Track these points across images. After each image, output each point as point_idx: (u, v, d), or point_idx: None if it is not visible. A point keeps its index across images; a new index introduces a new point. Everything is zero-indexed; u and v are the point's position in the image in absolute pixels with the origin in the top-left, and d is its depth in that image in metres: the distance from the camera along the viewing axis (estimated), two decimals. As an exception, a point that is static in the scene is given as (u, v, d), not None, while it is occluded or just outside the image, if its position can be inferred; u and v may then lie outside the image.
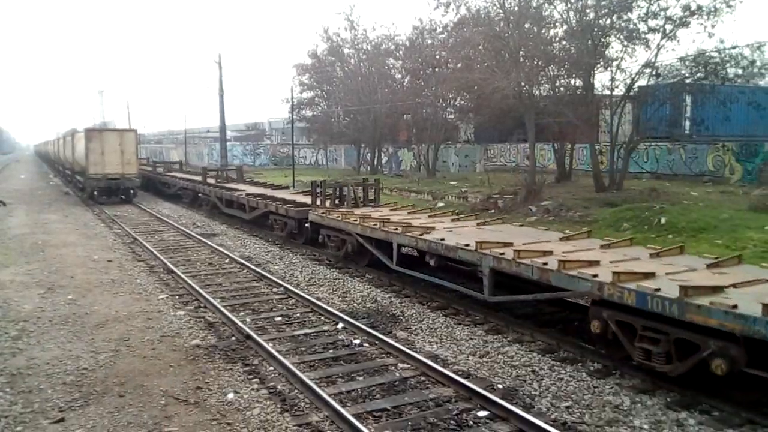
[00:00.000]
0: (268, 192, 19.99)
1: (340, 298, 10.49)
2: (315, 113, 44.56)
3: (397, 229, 10.78)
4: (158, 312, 9.64)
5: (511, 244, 8.73)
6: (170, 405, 6.21)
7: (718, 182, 24.66)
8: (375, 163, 40.69)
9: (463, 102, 34.74)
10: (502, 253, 8.35)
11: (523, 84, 23.19)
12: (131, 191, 27.48)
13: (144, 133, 77.02)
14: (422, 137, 36.40)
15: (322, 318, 9.25)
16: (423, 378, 6.84)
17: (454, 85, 29.75)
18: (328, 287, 11.27)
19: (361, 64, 40.70)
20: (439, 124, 35.19)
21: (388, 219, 11.82)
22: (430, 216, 12.95)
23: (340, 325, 8.77)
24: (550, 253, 8.14)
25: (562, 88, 24.87)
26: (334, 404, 5.92)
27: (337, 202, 15.02)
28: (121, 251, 15.23)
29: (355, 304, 10.08)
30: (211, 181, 24.76)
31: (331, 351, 7.78)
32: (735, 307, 5.54)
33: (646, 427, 5.60)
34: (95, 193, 26.89)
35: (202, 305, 10.03)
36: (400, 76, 40.47)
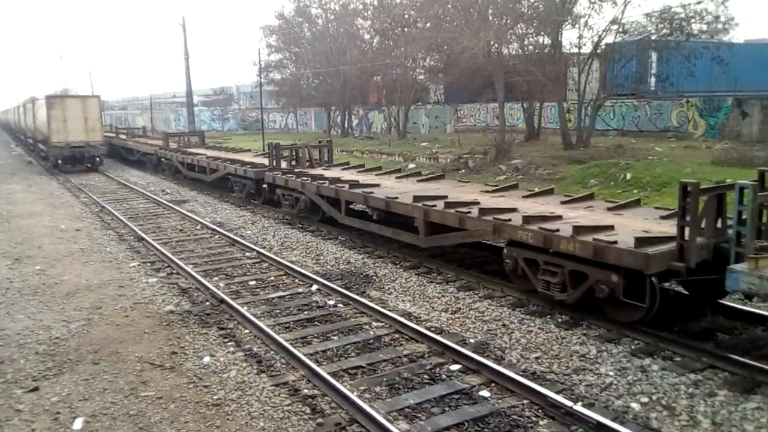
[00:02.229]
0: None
1: (314, 261, 10.54)
2: (283, 76, 43.86)
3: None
4: (130, 280, 9.59)
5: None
6: (146, 370, 6.24)
7: (682, 138, 25.13)
8: (345, 125, 40.38)
9: (432, 62, 34.52)
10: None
11: (492, 43, 23.11)
12: (97, 159, 26.90)
13: (108, 100, 75.19)
14: (392, 99, 36.17)
15: (296, 281, 9.31)
16: (397, 335, 6.97)
17: (424, 45, 29.52)
18: (302, 250, 11.31)
19: (329, 25, 40.00)
20: (409, 85, 34.96)
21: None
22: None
23: (314, 287, 8.85)
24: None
25: (530, 47, 24.85)
26: (310, 363, 6.02)
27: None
28: (89, 220, 15.00)
29: (328, 266, 10.15)
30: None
31: (305, 312, 7.86)
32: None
33: (611, 374, 5.83)
34: (59, 161, 26.23)
35: (174, 272, 10.00)
36: (369, 36, 39.94)
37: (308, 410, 5.33)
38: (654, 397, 5.35)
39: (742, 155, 17.86)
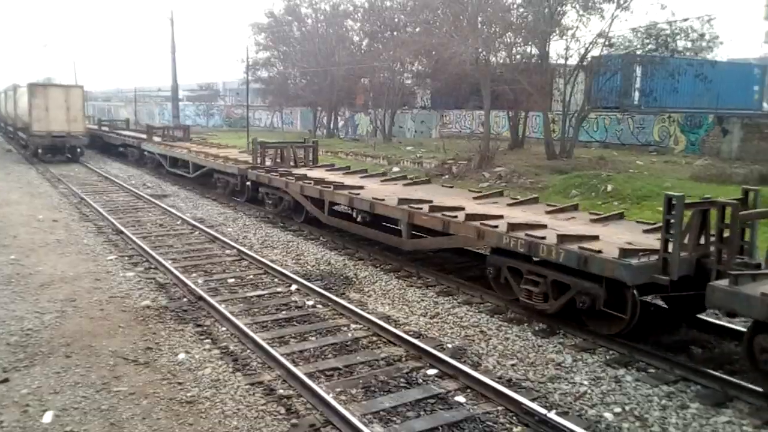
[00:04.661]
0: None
1: (294, 261, 10.50)
2: (271, 74, 43.62)
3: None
4: (106, 273, 9.47)
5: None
6: (119, 365, 6.16)
7: (663, 152, 25.46)
8: (331, 126, 40.30)
9: (420, 67, 34.61)
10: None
11: (480, 50, 23.23)
12: (78, 150, 26.54)
13: (91, 91, 74.09)
14: (379, 102, 36.18)
15: (276, 280, 9.26)
16: (375, 338, 6.96)
17: (412, 50, 29.57)
18: (282, 249, 11.25)
19: (319, 25, 39.91)
20: (397, 89, 34.99)
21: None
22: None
23: (294, 287, 8.81)
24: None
25: (518, 56, 25.05)
26: (287, 363, 5.99)
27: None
28: (68, 211, 14.79)
29: (309, 267, 10.11)
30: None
31: (284, 312, 7.82)
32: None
33: (586, 383, 5.87)
34: (40, 151, 25.83)
35: (152, 266, 9.89)
36: (358, 38, 39.90)
37: (283, 410, 5.30)
38: (627, 408, 5.40)
39: (721, 172, 18.14)
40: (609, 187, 15.29)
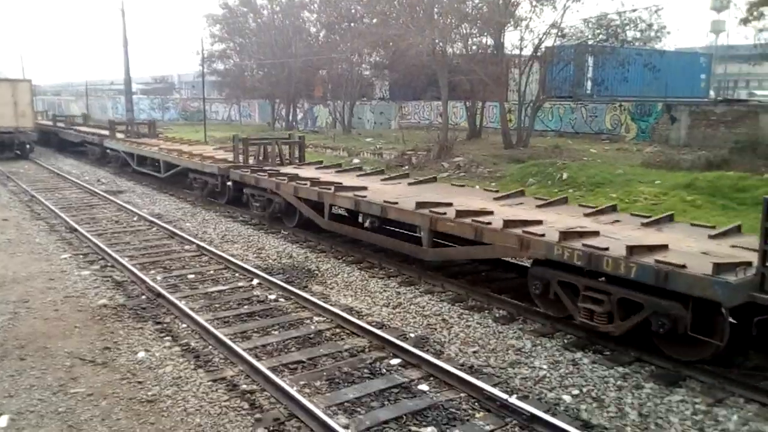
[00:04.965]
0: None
1: (255, 255, 10.41)
2: (227, 66, 42.91)
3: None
4: (61, 272, 9.22)
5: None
6: (76, 366, 6.03)
7: (614, 140, 26.16)
8: (290, 119, 39.94)
9: (378, 58, 34.56)
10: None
11: (437, 41, 23.38)
12: (27, 146, 25.66)
13: (40, 85, 71.64)
14: (338, 93, 36.03)
15: (237, 275, 9.17)
16: (338, 330, 6.98)
17: (370, 41, 29.52)
18: (243, 244, 11.15)
19: (275, 16, 39.41)
20: (355, 81, 34.89)
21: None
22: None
23: (255, 281, 8.75)
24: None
25: (474, 47, 25.29)
26: (249, 358, 5.96)
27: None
28: (18, 209, 14.32)
29: (270, 260, 10.05)
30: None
31: (246, 307, 7.76)
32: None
33: (545, 367, 6.02)
34: (-15, 148, 24.90)
35: (109, 264, 9.68)
36: (315, 29, 39.55)
37: (247, 406, 5.28)
38: (584, 390, 5.56)
39: (670, 158, 18.75)
40: (564, 175, 15.63)
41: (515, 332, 6.91)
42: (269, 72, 38.88)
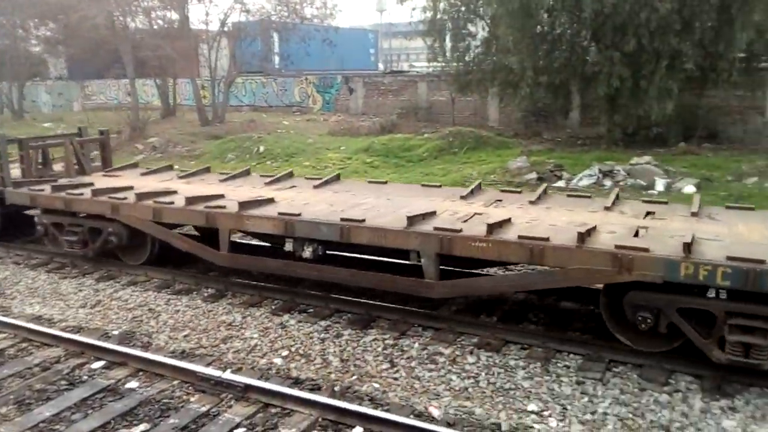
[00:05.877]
0: None
1: None
2: None
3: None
4: None
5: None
6: None
7: (304, 112, 27.92)
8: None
9: (49, 33, 30.70)
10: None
11: (115, 14, 21.70)
12: None
13: None
14: (2, 74, 31.07)
15: None
16: (25, 344, 6.19)
17: (34, 12, 26.00)
18: None
19: None
20: (22, 58, 30.51)
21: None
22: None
23: None
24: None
25: (159, 21, 24.16)
26: None
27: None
28: None
29: (-77, 280, 8.34)
30: None
31: None
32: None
33: (256, 335, 6.24)
34: None
35: None
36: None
37: None
38: (293, 349, 5.94)
39: (351, 126, 20.72)
40: (261, 148, 16.05)
41: (225, 308, 6.98)
42: None
